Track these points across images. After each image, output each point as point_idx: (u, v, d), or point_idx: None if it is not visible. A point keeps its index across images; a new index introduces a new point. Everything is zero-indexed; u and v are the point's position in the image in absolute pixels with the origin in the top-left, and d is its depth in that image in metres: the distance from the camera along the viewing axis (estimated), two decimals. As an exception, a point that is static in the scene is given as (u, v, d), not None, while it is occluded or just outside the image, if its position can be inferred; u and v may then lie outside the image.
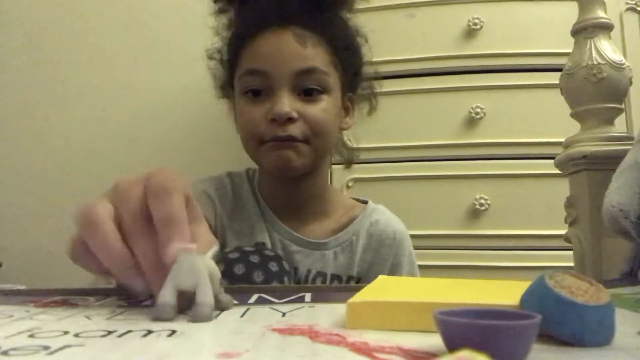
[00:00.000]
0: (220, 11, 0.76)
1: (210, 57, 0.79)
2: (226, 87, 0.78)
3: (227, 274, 0.64)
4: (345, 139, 0.86)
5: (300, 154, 0.68)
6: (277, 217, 0.75)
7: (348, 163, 0.87)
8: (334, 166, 1.37)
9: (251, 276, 0.64)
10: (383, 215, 0.79)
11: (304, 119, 0.67)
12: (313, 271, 0.72)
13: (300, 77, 0.68)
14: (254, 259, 0.64)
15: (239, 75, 0.71)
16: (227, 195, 0.77)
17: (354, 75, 0.77)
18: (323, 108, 0.69)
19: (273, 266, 0.64)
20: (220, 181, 0.79)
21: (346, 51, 0.74)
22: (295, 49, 0.68)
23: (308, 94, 0.68)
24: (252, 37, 0.70)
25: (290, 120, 0.66)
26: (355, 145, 0.85)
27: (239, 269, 0.63)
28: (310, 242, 0.74)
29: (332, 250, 0.74)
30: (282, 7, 0.70)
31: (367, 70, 0.80)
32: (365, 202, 0.81)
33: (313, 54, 0.69)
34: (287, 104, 0.66)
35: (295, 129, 0.67)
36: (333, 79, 0.71)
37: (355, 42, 0.77)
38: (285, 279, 0.65)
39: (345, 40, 0.74)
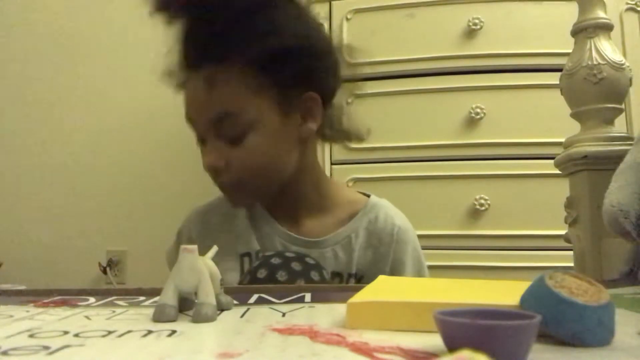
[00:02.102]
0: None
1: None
2: None
3: (271, 279, 0.64)
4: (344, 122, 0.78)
5: (243, 195, 0.70)
6: (274, 218, 0.75)
7: (357, 140, 0.81)
8: (334, 166, 1.37)
9: (274, 277, 0.65)
10: (383, 210, 0.76)
11: (233, 166, 0.66)
12: None
13: (217, 125, 0.66)
14: (275, 260, 0.65)
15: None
16: (216, 213, 0.78)
17: (303, 74, 0.68)
18: (253, 146, 0.66)
19: (296, 266, 0.65)
20: (206, 207, 0.80)
21: (284, 57, 0.65)
22: (204, 97, 0.66)
23: (233, 137, 0.66)
24: (184, 79, 0.70)
25: (219, 169, 0.67)
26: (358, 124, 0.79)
27: (261, 273, 0.64)
28: (307, 242, 0.73)
29: (331, 248, 0.73)
30: (195, 47, 0.66)
31: (328, 56, 0.72)
32: (369, 196, 0.79)
33: (225, 95, 0.65)
34: (212, 156, 0.66)
35: (225, 177, 0.67)
36: (257, 109, 0.66)
37: (299, 37, 0.67)
38: (314, 273, 0.66)
39: (281, 45, 0.65)
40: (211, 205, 0.80)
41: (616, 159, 0.63)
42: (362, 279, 0.72)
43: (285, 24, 0.67)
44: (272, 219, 0.75)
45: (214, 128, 0.66)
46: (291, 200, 0.74)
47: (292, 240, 0.73)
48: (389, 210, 0.78)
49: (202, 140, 0.69)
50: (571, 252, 0.84)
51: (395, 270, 0.73)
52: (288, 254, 0.68)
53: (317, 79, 0.70)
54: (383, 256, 0.73)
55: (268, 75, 0.65)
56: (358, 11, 1.45)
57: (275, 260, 0.65)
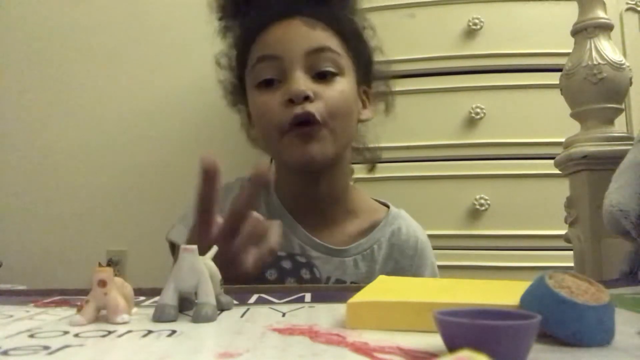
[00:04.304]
0: (226, 29, 0.75)
1: (219, 63, 0.78)
2: (236, 94, 0.76)
3: (260, 278, 0.62)
4: (367, 140, 0.81)
5: (321, 143, 0.65)
6: (296, 221, 0.72)
7: (371, 163, 0.83)
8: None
9: (284, 282, 0.63)
10: (405, 223, 0.76)
11: (321, 99, 0.65)
12: (332, 278, 0.70)
13: (313, 57, 0.66)
14: (286, 264, 0.63)
15: (250, 67, 0.70)
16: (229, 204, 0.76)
17: (365, 66, 0.75)
18: (340, 89, 0.67)
19: (305, 274, 0.63)
20: (226, 191, 0.77)
21: (356, 41, 0.72)
22: (305, 31, 0.67)
23: (322, 76, 0.66)
24: (259, 32, 0.69)
25: (307, 99, 0.64)
26: (377, 149, 0.80)
27: (271, 274, 0.62)
28: (330, 249, 0.70)
29: (352, 258, 0.71)
30: (288, 2, 0.69)
31: (380, 66, 0.78)
32: (387, 206, 0.78)
33: (323, 35, 0.68)
34: (302, 83, 0.64)
35: (313, 107, 0.64)
36: (346, 62, 0.69)
37: (363, 34, 0.75)
38: (304, 271, 0.64)
39: (354, 31, 0.73)
40: (231, 191, 0.75)
41: (616, 159, 0.63)
42: None
43: (359, 18, 0.75)
44: (294, 221, 0.72)
45: (308, 60, 0.66)
46: (321, 200, 0.72)
47: (313, 245, 0.70)
48: (410, 222, 0.77)
49: (279, 80, 0.67)
50: (571, 252, 0.84)
51: None
52: (279, 253, 0.65)
53: (369, 77, 0.76)
54: (404, 269, 0.72)
55: (351, 48, 0.71)
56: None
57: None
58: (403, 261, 0.73)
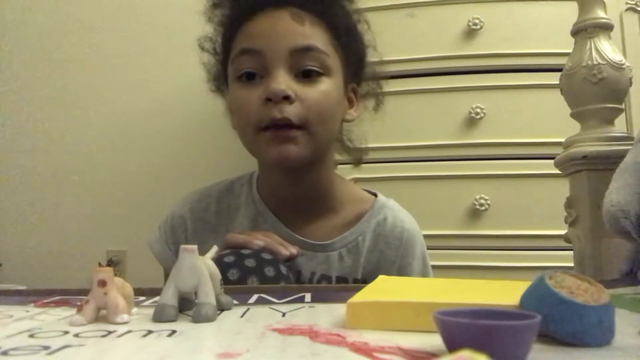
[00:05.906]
0: (215, 6, 0.73)
1: (202, 47, 0.75)
2: (219, 79, 0.75)
3: (222, 279, 0.61)
4: (353, 137, 0.79)
5: (299, 145, 0.63)
6: (278, 219, 0.71)
7: (356, 162, 0.81)
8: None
9: (246, 281, 0.61)
10: (392, 212, 0.73)
11: (301, 101, 0.62)
12: (317, 274, 0.69)
13: (298, 56, 0.63)
14: (250, 263, 0.60)
15: (232, 58, 0.68)
16: (209, 210, 0.74)
17: (356, 63, 0.72)
18: (323, 91, 0.64)
19: (269, 271, 0.61)
20: (205, 196, 0.76)
21: (347, 35, 0.69)
22: (292, 27, 0.64)
23: (306, 75, 0.64)
24: (245, 19, 0.67)
25: (286, 99, 0.61)
26: (363, 145, 0.78)
27: (233, 274, 0.60)
28: (313, 244, 0.69)
29: (337, 252, 0.69)
30: None
31: (372, 65, 0.75)
32: (375, 195, 0.76)
33: (311, 32, 0.65)
34: (283, 82, 0.61)
35: (292, 111, 0.62)
36: (333, 61, 0.66)
37: (356, 27, 0.73)
38: (283, 283, 0.62)
39: (346, 24, 0.70)
40: (210, 197, 0.76)
41: (616, 159, 0.63)
42: (366, 283, 0.70)
43: (352, 10, 0.73)
44: (276, 220, 0.71)
45: (292, 58, 0.63)
46: (303, 197, 0.71)
47: (296, 242, 0.69)
48: (397, 212, 0.74)
49: (261, 75, 0.65)
50: (571, 252, 0.84)
51: (402, 274, 0.70)
52: (243, 251, 0.62)
53: (360, 74, 0.74)
54: (389, 261, 0.71)
55: (341, 43, 0.68)
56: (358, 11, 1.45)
57: (228, 259, 0.60)
58: (388, 252, 0.71)
